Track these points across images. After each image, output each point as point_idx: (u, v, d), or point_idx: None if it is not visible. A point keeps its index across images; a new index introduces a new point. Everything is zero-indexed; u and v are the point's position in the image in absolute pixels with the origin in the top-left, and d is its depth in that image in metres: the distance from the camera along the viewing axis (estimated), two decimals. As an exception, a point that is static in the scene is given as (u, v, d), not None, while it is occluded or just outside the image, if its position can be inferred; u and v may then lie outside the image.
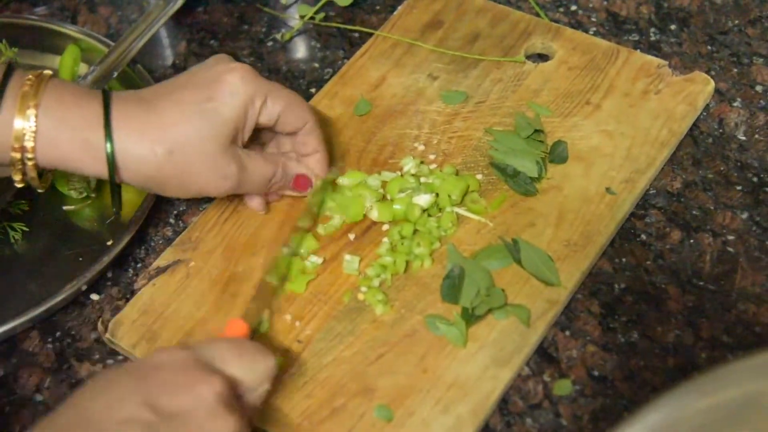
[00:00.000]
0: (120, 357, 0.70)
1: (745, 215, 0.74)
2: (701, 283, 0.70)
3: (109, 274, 0.74)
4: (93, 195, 0.78)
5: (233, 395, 0.56)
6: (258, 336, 0.68)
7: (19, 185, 0.66)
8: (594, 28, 0.89)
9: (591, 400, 0.65)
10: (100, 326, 0.70)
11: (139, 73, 0.83)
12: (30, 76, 0.64)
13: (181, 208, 0.78)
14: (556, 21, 0.89)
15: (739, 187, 0.76)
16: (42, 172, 0.67)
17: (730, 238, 0.73)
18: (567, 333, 0.68)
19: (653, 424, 0.46)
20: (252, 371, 0.58)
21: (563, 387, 0.66)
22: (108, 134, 0.64)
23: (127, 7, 0.95)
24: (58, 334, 0.71)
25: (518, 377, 0.66)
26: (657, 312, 0.69)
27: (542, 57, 0.86)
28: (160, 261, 0.73)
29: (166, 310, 0.70)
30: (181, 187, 0.68)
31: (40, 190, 0.68)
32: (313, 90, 0.86)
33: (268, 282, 0.69)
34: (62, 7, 0.95)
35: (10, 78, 0.64)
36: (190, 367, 0.55)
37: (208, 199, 0.78)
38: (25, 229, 0.76)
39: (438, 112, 0.81)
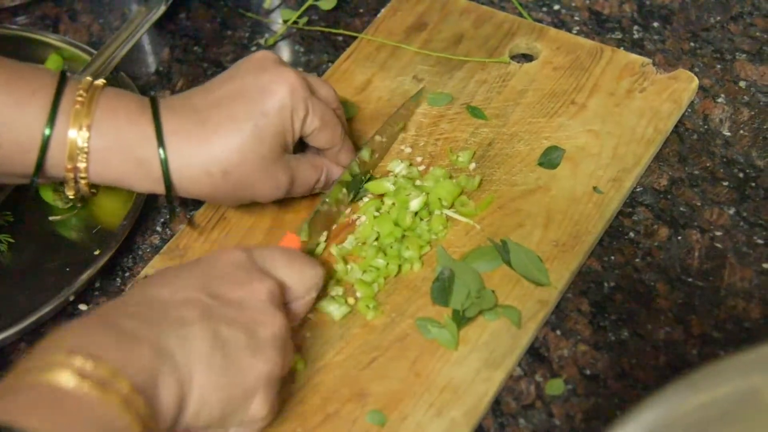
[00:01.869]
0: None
1: (732, 211, 0.74)
2: (690, 280, 0.71)
3: (97, 284, 0.74)
4: (79, 204, 0.77)
5: (282, 298, 0.61)
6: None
7: (71, 197, 0.67)
8: (577, 27, 0.89)
9: (583, 399, 0.65)
10: (89, 337, 0.69)
11: (122, 81, 0.83)
12: (81, 91, 0.64)
13: (167, 216, 0.78)
14: (540, 21, 0.89)
15: (725, 183, 0.76)
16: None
17: (718, 234, 0.73)
18: (558, 333, 0.68)
19: (647, 423, 0.46)
20: (300, 278, 0.63)
21: (555, 387, 0.66)
22: (163, 152, 0.64)
23: (109, 14, 0.94)
24: (46, 345, 0.71)
25: (510, 378, 0.66)
26: (647, 309, 0.69)
27: (527, 57, 0.86)
28: (148, 269, 0.72)
29: (155, 319, 0.69)
30: (234, 200, 0.70)
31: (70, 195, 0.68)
32: (298, 94, 0.86)
33: (325, 207, 0.71)
34: (43, 15, 0.94)
35: (62, 93, 0.64)
36: (245, 267, 0.60)
37: (195, 207, 0.77)
38: (10, 240, 0.75)
39: (424, 114, 0.81)
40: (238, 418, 0.57)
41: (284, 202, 0.75)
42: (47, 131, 0.63)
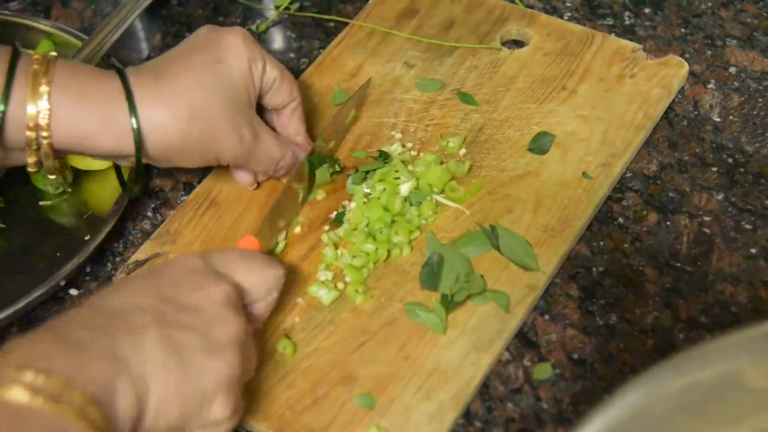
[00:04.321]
0: (100, 351, 0.69)
1: (720, 196, 0.75)
2: (678, 265, 0.71)
3: (88, 269, 0.74)
4: (69, 190, 0.77)
5: (240, 301, 0.60)
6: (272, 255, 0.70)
7: (32, 169, 0.66)
8: (569, 14, 0.89)
9: (571, 383, 0.66)
10: (79, 321, 0.69)
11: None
12: (37, 56, 0.64)
13: (158, 201, 0.78)
14: (531, 7, 0.89)
15: (714, 169, 0.76)
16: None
17: (707, 219, 0.73)
18: (546, 317, 0.69)
19: (631, 405, 0.46)
20: (259, 280, 0.62)
21: (543, 371, 0.66)
22: (132, 107, 0.64)
23: (101, 0, 0.94)
24: (37, 330, 0.71)
25: (498, 362, 0.66)
26: (635, 294, 0.70)
27: (518, 43, 0.86)
28: (139, 254, 0.73)
29: (145, 303, 0.70)
30: (201, 153, 0.68)
31: (51, 176, 0.68)
32: (289, 80, 0.86)
33: (282, 201, 0.71)
34: (35, 1, 0.94)
35: (18, 59, 0.63)
36: (200, 271, 0.59)
37: (186, 191, 0.78)
38: (1, 225, 0.75)
39: (414, 100, 0.81)
40: (200, 421, 0.56)
41: (273, 189, 0.75)
42: (2, 106, 0.62)
